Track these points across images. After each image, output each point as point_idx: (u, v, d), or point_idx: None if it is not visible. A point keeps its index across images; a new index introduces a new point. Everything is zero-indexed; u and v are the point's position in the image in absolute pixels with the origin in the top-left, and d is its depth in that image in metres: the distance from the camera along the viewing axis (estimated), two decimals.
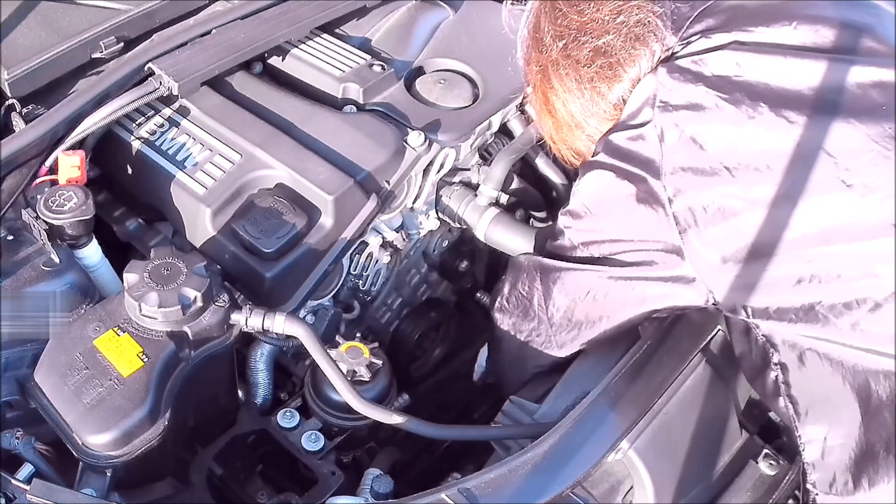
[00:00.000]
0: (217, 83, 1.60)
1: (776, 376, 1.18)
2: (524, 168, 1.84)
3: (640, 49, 1.21)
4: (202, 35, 1.62)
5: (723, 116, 1.12)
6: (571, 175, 1.90)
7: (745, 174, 1.10)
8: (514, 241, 1.62)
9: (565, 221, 1.33)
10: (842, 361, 1.12)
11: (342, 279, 1.56)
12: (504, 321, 1.46)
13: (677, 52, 1.19)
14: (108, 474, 1.16)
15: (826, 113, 1.09)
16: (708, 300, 1.19)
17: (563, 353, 1.39)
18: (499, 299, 1.48)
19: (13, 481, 1.10)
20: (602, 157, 1.23)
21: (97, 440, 1.15)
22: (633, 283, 1.24)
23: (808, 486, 1.19)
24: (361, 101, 1.61)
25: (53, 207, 1.33)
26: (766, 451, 1.40)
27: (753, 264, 1.12)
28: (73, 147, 1.46)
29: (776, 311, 1.13)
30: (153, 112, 1.57)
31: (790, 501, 1.39)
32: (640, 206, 1.18)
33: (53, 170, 1.42)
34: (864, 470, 1.13)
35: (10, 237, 1.32)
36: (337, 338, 1.42)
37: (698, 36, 1.19)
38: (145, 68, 1.54)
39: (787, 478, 1.38)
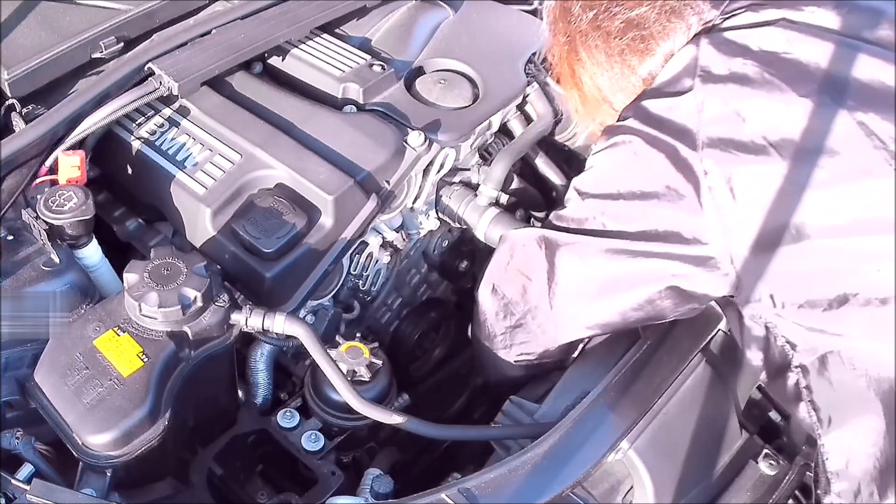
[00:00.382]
0: (217, 83, 1.60)
1: (797, 380, 1.14)
2: (524, 168, 1.84)
3: (675, 22, 1.17)
4: (202, 35, 1.62)
5: (771, 92, 1.08)
6: (571, 175, 1.91)
7: (790, 153, 1.06)
8: None
9: (582, 185, 1.24)
10: (866, 367, 1.07)
11: (342, 279, 1.56)
12: (493, 302, 1.39)
13: (718, 24, 1.16)
14: (108, 474, 1.16)
15: (877, 100, 1.06)
16: (731, 286, 1.13)
17: (561, 336, 1.31)
18: (488, 277, 1.40)
19: (13, 481, 1.10)
20: (631, 123, 1.17)
21: (97, 440, 1.14)
22: (653, 260, 1.16)
23: (833, 495, 1.15)
24: (361, 101, 1.61)
25: (53, 207, 1.33)
26: (766, 451, 1.40)
27: (790, 248, 1.07)
28: (73, 147, 1.45)
29: (808, 302, 1.08)
30: (153, 112, 1.57)
31: (790, 501, 1.39)
32: (669, 176, 1.12)
33: (53, 170, 1.42)
34: (890, 480, 1.09)
35: (10, 237, 1.32)
36: (337, 338, 1.42)
37: (743, 9, 1.16)
38: (145, 68, 1.54)
39: (787, 478, 1.38)
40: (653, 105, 1.15)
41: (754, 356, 1.21)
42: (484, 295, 1.41)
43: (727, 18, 1.16)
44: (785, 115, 1.08)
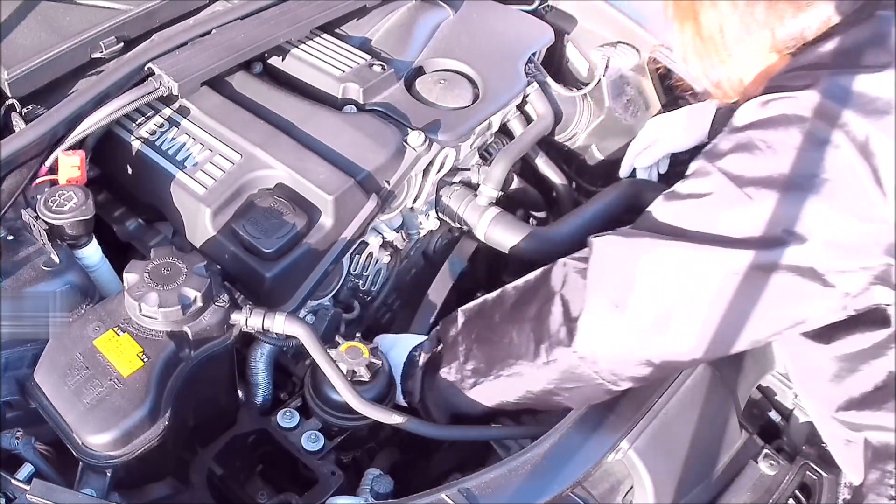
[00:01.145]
0: (217, 83, 1.60)
1: None
2: (524, 168, 1.84)
3: None
4: (202, 35, 1.62)
5: None
6: (571, 175, 1.91)
7: None
8: (514, 240, 1.62)
9: (733, 167, 0.99)
10: None
11: (342, 279, 1.56)
12: (609, 327, 1.11)
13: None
14: (108, 474, 1.16)
15: None
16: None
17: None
18: (594, 306, 1.11)
19: (13, 481, 1.10)
20: (809, 95, 0.96)
21: (97, 440, 1.14)
22: (829, 279, 0.96)
23: None
24: (361, 101, 1.61)
25: (53, 207, 1.33)
26: (766, 451, 1.40)
27: None
28: (73, 147, 1.45)
29: None
30: (153, 112, 1.57)
31: (790, 501, 1.39)
32: (855, 169, 0.93)
33: (53, 170, 1.42)
34: None
35: (10, 237, 1.32)
36: (337, 338, 1.42)
37: None
38: (145, 68, 1.54)
39: (787, 478, 1.38)
40: (840, 79, 0.96)
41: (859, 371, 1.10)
42: (588, 328, 1.11)
43: None
44: None
